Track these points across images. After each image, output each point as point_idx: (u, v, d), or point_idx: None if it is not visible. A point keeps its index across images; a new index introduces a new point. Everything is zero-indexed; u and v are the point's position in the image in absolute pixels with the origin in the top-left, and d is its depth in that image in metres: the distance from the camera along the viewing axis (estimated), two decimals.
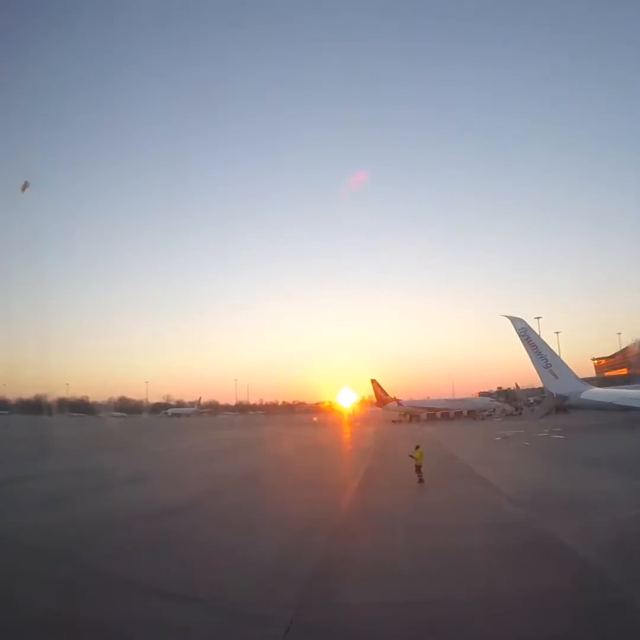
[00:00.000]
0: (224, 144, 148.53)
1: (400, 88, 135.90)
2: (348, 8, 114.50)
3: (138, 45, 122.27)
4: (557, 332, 75.01)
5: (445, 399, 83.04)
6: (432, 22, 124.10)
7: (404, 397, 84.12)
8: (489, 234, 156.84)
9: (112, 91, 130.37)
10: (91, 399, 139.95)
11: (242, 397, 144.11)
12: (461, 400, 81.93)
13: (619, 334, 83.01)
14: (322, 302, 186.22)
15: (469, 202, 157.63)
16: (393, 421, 72.69)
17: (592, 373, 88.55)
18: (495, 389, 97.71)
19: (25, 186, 18.37)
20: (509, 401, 79.27)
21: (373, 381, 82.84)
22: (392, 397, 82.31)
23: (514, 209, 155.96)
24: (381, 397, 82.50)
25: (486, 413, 71.46)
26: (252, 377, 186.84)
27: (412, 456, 16.02)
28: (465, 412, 74.68)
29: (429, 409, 77.52)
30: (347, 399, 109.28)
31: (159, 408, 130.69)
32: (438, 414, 75.37)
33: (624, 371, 76.69)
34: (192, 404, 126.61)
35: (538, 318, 70.75)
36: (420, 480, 15.46)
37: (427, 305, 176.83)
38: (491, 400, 79.83)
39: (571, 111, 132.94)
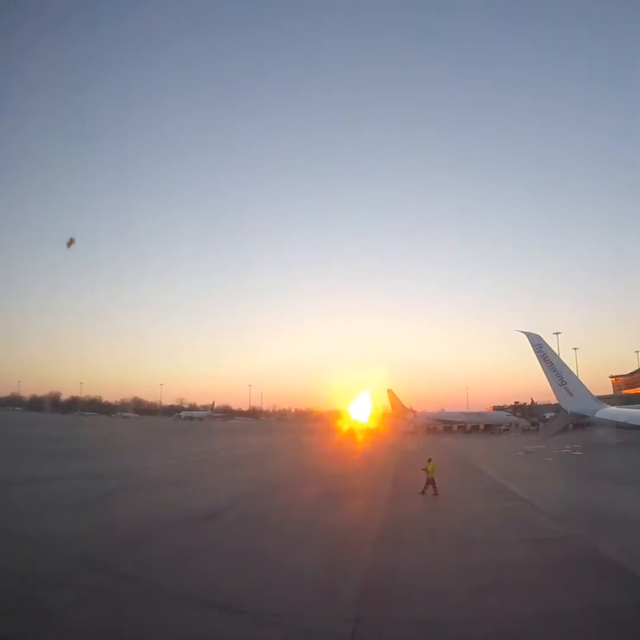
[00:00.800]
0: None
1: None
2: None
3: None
4: (575, 349, 74.93)
5: (462, 412, 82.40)
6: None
7: (417, 408, 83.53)
8: (508, 248, 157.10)
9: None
10: (104, 399, 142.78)
11: (256, 403, 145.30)
12: (478, 413, 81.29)
13: (637, 351, 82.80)
14: (337, 311, 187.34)
15: (488, 215, 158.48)
16: (410, 432, 72.29)
17: (609, 390, 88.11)
18: (510, 403, 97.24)
19: (71, 242, 19.09)
20: (525, 416, 78.61)
21: (389, 391, 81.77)
22: (409, 408, 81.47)
23: (534, 224, 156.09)
24: (397, 407, 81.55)
25: (503, 427, 71.00)
26: (266, 383, 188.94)
27: (425, 469, 16.54)
28: (481, 426, 74.45)
29: (446, 421, 77.26)
30: (361, 408, 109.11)
31: (171, 411, 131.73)
32: (455, 426, 75.16)
33: None
34: (205, 408, 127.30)
35: (557, 334, 70.66)
36: (435, 493, 16.02)
37: (443, 318, 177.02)
38: (508, 415, 79.37)
39: (593, 122, 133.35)
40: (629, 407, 28.77)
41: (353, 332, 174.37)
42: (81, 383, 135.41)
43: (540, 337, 25.90)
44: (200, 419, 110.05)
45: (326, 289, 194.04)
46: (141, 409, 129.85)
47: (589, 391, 25.68)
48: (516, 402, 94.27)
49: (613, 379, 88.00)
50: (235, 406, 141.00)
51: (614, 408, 21.09)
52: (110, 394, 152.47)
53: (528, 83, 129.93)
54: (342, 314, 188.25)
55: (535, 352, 25.80)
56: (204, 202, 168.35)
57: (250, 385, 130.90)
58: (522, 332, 26.37)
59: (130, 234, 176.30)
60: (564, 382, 25.44)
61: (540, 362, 25.65)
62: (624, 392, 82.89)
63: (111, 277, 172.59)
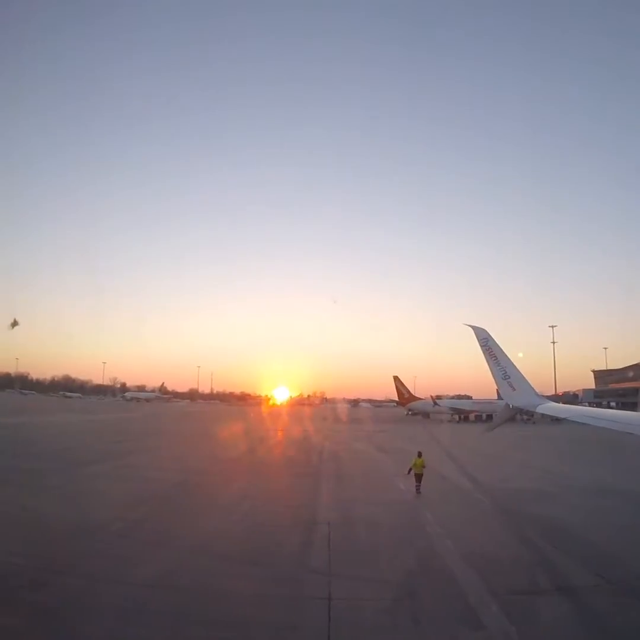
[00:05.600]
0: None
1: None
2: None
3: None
4: (553, 342, 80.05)
5: (472, 401, 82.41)
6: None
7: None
8: (493, 243, 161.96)
9: None
10: (33, 377, 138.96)
11: (193, 384, 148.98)
12: (488, 402, 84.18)
13: (605, 348, 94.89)
14: (287, 302, 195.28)
15: (459, 207, 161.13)
16: (444, 421, 71.52)
17: (591, 384, 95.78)
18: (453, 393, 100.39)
19: (14, 323, 20.90)
20: None
21: (396, 378, 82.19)
22: (430, 396, 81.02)
23: (506, 215, 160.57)
24: (404, 394, 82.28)
25: (526, 417, 74.01)
26: (213, 365, 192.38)
27: (412, 468, 16.80)
28: (484, 416, 74.20)
29: (457, 410, 77.38)
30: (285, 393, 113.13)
31: (102, 390, 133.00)
32: (472, 415, 75.31)
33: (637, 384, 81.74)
34: (139, 388, 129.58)
35: (553, 327, 75.40)
36: (417, 491, 16.29)
37: (396, 311, 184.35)
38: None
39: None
40: (567, 405, 32.14)
41: (302, 322, 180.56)
42: (17, 359, 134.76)
43: (486, 331, 28.24)
44: (147, 400, 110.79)
45: (279, 280, 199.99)
46: (74, 388, 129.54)
47: (531, 386, 28.21)
48: None
49: (595, 373, 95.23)
50: (169, 387, 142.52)
51: (554, 404, 23.57)
52: (39, 371, 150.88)
53: None
54: (291, 305, 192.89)
55: (481, 346, 28.13)
56: (170, 187, 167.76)
57: (199, 367, 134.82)
58: (469, 325, 28.61)
59: (73, 207, 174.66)
60: (507, 377, 27.77)
61: (485, 356, 28.07)
62: (613, 385, 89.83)
63: (59, 253, 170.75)
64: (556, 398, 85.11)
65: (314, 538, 11.33)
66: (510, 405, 18.77)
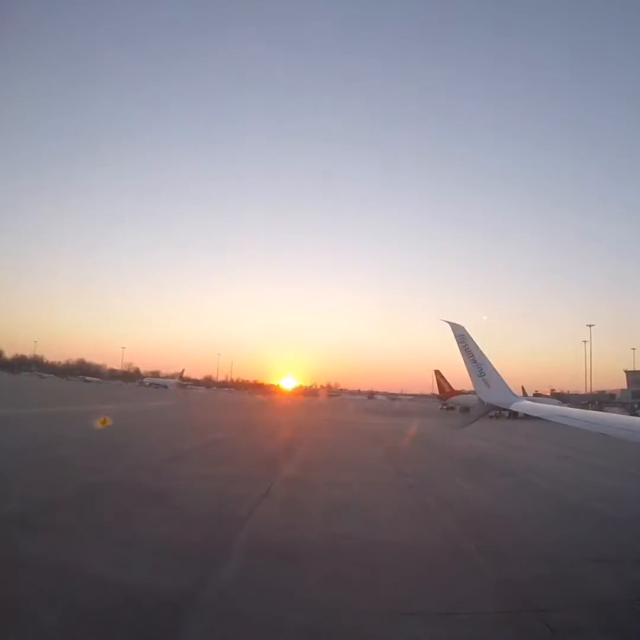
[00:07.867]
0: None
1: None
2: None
3: None
4: (584, 341, 78.87)
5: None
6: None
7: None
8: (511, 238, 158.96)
9: None
10: (48, 359, 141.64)
11: (220, 372, 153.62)
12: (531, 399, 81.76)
13: (633, 349, 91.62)
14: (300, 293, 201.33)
15: (495, 205, 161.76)
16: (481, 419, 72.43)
17: (624, 384, 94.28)
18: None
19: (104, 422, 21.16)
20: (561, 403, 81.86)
21: (436, 372, 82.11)
22: (459, 390, 79.22)
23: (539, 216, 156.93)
24: (445, 388, 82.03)
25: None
26: (230, 353, 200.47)
27: None
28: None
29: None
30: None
31: (123, 375, 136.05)
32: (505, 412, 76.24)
33: None
34: (153, 374, 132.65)
35: (591, 326, 74.57)
36: None
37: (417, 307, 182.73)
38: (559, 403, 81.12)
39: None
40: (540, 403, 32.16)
41: (318, 314, 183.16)
42: (35, 342, 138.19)
43: (463, 328, 28.32)
44: (165, 386, 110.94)
45: (296, 272, 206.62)
46: (89, 372, 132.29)
47: (506, 384, 28.16)
48: (552, 390, 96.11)
49: (628, 373, 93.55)
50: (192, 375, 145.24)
51: (528, 402, 23.74)
52: (54, 355, 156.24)
53: None
54: (306, 297, 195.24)
55: (458, 342, 28.24)
56: (188, 179, 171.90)
57: (219, 354, 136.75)
58: (446, 321, 28.64)
59: (91, 190, 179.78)
60: (482, 374, 27.82)
61: (461, 353, 28.17)
62: None
63: (78, 239, 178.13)
64: (591, 397, 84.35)
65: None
66: (485, 402, 19.25)
